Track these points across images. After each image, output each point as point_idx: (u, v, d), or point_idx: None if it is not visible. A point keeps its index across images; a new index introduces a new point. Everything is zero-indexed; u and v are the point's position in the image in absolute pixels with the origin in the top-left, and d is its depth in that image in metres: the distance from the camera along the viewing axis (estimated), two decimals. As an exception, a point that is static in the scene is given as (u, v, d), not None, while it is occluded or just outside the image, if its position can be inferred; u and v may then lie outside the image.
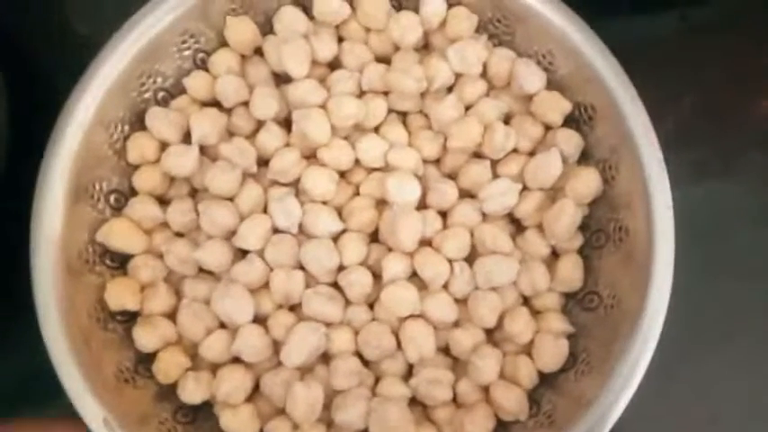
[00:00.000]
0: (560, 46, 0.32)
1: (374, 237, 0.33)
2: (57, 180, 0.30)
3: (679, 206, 0.30)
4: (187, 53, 0.34)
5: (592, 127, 0.32)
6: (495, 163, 0.33)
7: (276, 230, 0.32)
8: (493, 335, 0.32)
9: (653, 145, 0.30)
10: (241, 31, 0.34)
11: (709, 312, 0.36)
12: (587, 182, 0.32)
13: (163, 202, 0.33)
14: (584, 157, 0.33)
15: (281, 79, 0.35)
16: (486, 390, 0.31)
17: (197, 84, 0.34)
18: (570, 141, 0.32)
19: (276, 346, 0.31)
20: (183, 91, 0.34)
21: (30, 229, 0.30)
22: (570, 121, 0.33)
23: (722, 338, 0.37)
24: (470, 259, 0.32)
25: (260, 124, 0.33)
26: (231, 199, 0.32)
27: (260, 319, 0.31)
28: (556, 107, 0.32)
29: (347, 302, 0.32)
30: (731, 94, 0.41)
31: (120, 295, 0.31)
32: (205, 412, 0.32)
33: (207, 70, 0.34)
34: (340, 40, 0.35)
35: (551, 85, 0.33)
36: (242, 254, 0.32)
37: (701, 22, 0.42)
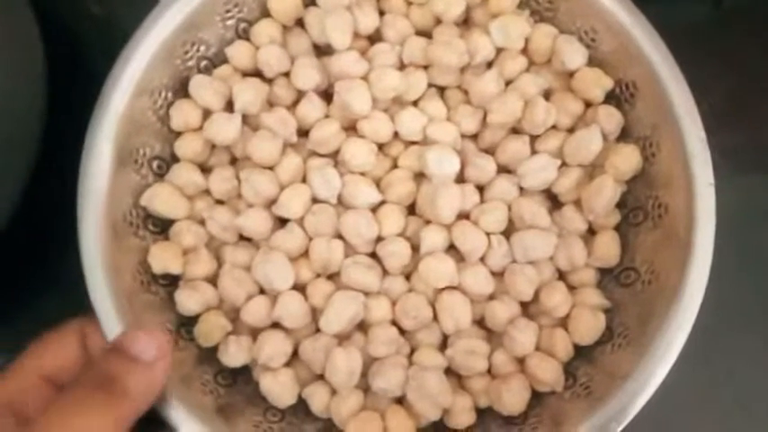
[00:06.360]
0: (603, 22, 0.32)
1: (411, 210, 0.33)
2: (104, 143, 0.31)
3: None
4: (230, 22, 0.34)
5: (633, 104, 0.33)
6: (533, 139, 0.33)
7: (315, 200, 0.32)
8: (528, 308, 0.32)
9: (696, 123, 0.30)
10: (284, 1, 0.34)
11: (739, 301, 0.36)
12: (627, 159, 0.32)
13: (204, 170, 0.34)
14: (624, 135, 0.33)
15: (322, 51, 0.35)
16: (521, 362, 0.31)
17: (239, 53, 0.34)
18: (611, 118, 0.32)
19: (314, 313, 0.32)
20: (224, 60, 0.35)
21: (77, 192, 0.30)
22: (611, 98, 0.33)
23: (750, 327, 0.37)
24: (507, 233, 0.32)
25: (300, 95, 0.34)
26: (271, 168, 0.33)
27: (298, 287, 0.32)
28: (597, 84, 0.32)
29: (384, 273, 0.32)
30: (764, 81, 0.41)
31: (163, 258, 0.31)
32: (245, 376, 0.32)
33: (249, 40, 0.35)
34: (380, 13, 0.35)
35: (593, 61, 0.33)
36: (281, 222, 0.32)
37: (734, 7, 0.42)
